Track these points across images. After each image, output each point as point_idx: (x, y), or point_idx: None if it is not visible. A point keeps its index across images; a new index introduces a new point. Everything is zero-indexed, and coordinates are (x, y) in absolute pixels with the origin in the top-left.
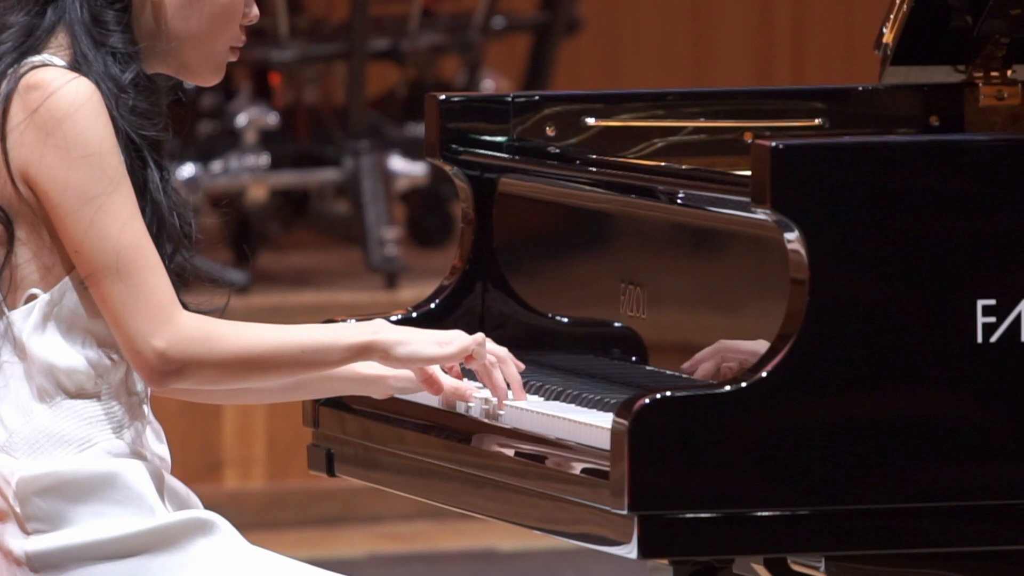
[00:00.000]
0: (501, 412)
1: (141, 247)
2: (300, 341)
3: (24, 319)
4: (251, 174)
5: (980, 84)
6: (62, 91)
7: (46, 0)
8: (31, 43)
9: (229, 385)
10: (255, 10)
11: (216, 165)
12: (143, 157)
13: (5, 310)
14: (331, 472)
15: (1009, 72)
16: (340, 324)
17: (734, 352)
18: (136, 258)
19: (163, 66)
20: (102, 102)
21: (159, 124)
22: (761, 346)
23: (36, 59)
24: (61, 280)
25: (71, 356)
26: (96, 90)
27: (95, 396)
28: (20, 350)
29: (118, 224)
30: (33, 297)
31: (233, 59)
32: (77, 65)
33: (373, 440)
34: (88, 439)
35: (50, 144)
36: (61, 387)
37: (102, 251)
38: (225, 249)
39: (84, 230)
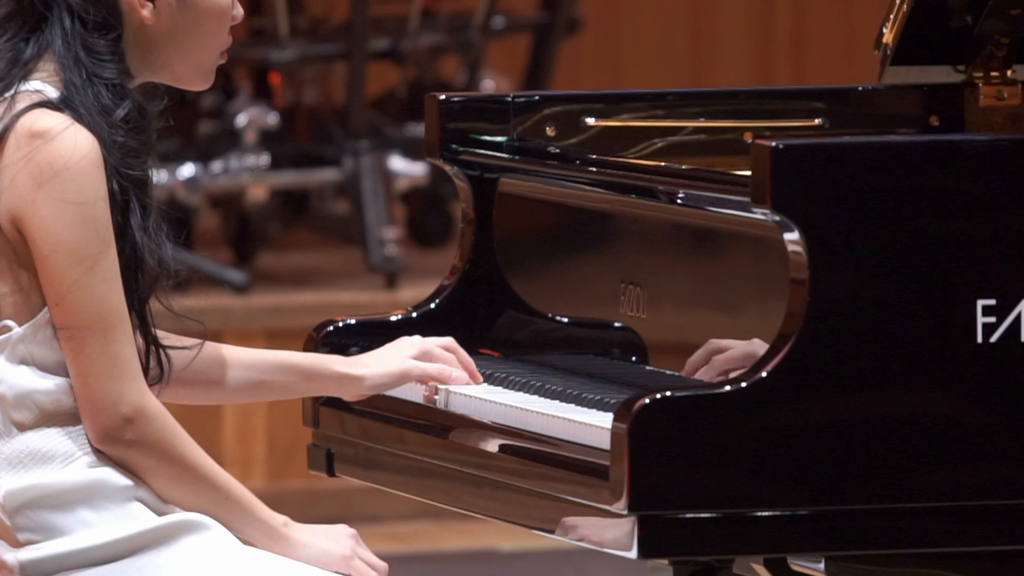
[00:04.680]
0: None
1: (122, 313)
2: (227, 490)
3: None
4: (251, 174)
5: (980, 84)
6: (62, 142)
7: (31, 27)
8: (19, 71)
9: (154, 476)
10: (239, 10)
11: (216, 165)
12: (127, 195)
13: None
14: (331, 472)
15: (1009, 72)
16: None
17: (725, 352)
18: (117, 323)
19: (152, 76)
20: (99, 153)
21: (146, 162)
22: (755, 347)
23: (29, 88)
24: (36, 315)
25: (49, 379)
26: (94, 141)
27: (74, 411)
28: None
29: (104, 286)
30: (7, 329)
31: (222, 62)
32: (69, 95)
33: (373, 440)
34: (71, 454)
35: (44, 194)
36: (40, 408)
37: (84, 310)
38: (225, 249)
39: (69, 287)
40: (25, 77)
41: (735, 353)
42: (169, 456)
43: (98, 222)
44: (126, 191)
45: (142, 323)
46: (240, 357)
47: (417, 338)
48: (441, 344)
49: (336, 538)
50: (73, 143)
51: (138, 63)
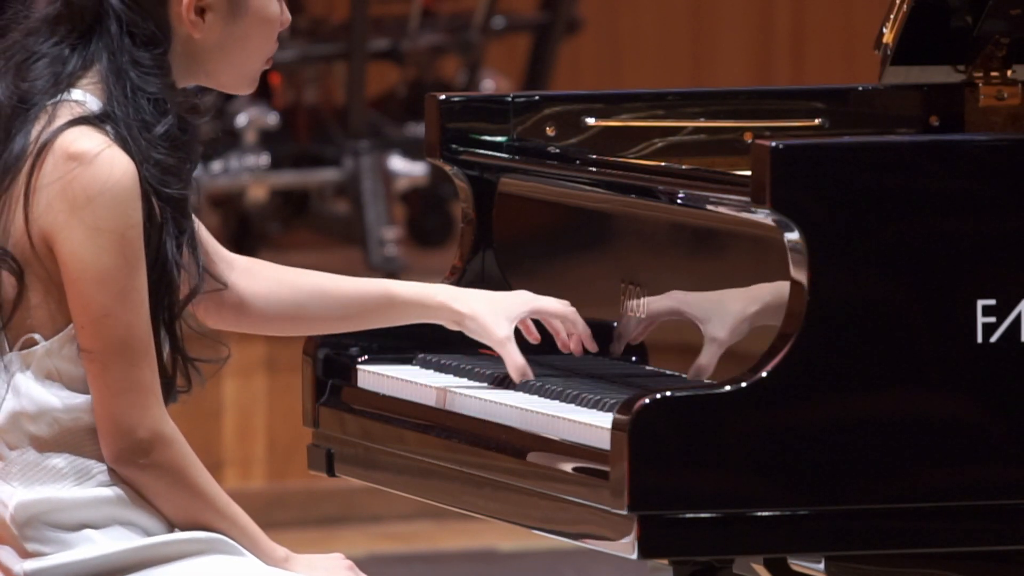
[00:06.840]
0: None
1: (147, 338)
2: (232, 520)
3: (22, 365)
4: (251, 174)
5: (980, 84)
6: (99, 167)
7: (79, 34)
8: (64, 80)
9: (162, 500)
10: (287, 15)
11: (216, 165)
12: (164, 214)
13: (6, 347)
14: (331, 472)
15: (1009, 72)
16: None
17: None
18: (141, 348)
19: (195, 83)
20: (135, 178)
21: (185, 181)
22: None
23: (71, 98)
24: (63, 331)
25: (71, 397)
26: (130, 164)
27: (92, 429)
28: (14, 389)
29: (132, 313)
30: (32, 342)
31: (267, 68)
32: (111, 107)
33: (373, 440)
34: (85, 471)
35: (77, 220)
36: (59, 425)
37: (111, 336)
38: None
39: (96, 312)
40: (71, 86)
41: (661, 305)
42: (180, 482)
43: (129, 250)
44: (162, 210)
45: (172, 339)
46: (335, 286)
47: (532, 300)
48: (557, 312)
49: (335, 570)
50: (109, 168)
51: (182, 73)
